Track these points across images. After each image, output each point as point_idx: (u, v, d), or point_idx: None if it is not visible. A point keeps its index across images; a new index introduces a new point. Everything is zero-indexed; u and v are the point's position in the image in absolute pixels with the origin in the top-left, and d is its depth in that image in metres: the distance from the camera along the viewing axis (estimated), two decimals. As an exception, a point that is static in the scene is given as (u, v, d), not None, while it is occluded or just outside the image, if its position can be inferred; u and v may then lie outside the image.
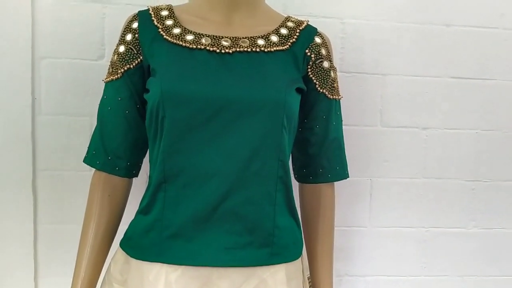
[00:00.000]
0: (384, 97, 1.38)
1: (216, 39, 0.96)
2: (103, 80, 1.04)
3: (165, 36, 0.97)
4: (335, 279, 1.27)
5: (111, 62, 1.03)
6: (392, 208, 1.42)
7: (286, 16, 1.07)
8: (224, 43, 0.96)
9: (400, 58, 1.37)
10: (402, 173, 1.41)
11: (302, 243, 1.04)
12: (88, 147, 1.04)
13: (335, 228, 1.12)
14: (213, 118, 0.91)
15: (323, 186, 1.09)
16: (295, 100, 0.97)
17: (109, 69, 1.03)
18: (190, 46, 0.95)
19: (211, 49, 0.95)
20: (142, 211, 0.97)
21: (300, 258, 1.02)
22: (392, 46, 1.37)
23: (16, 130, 1.28)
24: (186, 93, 0.90)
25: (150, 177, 0.99)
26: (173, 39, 0.96)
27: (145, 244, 0.94)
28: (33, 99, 1.28)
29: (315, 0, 1.33)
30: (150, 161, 1.00)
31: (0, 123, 1.27)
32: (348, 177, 1.11)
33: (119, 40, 1.02)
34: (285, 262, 0.96)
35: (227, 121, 0.91)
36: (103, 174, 1.01)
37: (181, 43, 0.95)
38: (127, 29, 1.01)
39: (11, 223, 1.30)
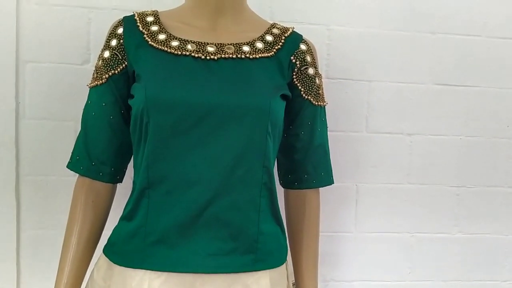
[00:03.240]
0: (369, 103, 1.39)
1: (201, 45, 0.96)
2: (87, 85, 1.03)
3: (150, 42, 0.97)
4: (321, 285, 1.29)
5: (95, 67, 1.03)
6: (378, 214, 1.43)
7: (271, 22, 1.08)
8: (209, 49, 0.96)
9: (385, 65, 1.39)
10: (388, 179, 1.42)
11: (287, 249, 1.04)
12: (72, 153, 1.03)
13: (321, 234, 1.12)
14: (197, 124, 0.90)
15: (308, 192, 1.09)
16: (280, 106, 0.97)
17: (93, 74, 1.03)
18: (175, 52, 0.95)
19: (196, 55, 0.95)
20: (126, 217, 0.96)
21: (284, 264, 1.02)
22: (378, 53, 1.38)
23: None
24: (171, 99, 0.90)
25: (134, 182, 0.99)
26: (158, 45, 0.96)
27: (129, 251, 0.94)
28: (17, 103, 1.27)
29: (301, 7, 1.34)
30: (134, 167, 1.00)
31: (-17, 128, 1.25)
32: (333, 183, 1.12)
33: (104, 46, 1.01)
34: (269, 269, 0.96)
35: (211, 127, 0.91)
36: (87, 179, 1.01)
37: (166, 49, 0.95)
38: (112, 34, 1.01)
39: (-6, 229, 1.28)
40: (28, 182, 1.30)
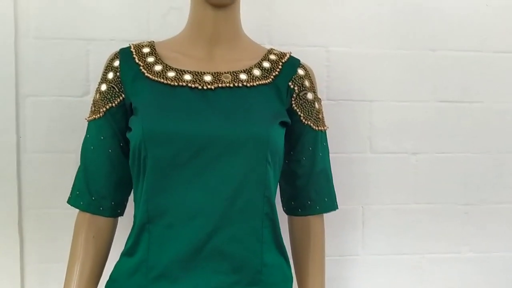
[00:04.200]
0: (372, 124, 1.37)
1: (198, 75, 0.96)
2: (85, 119, 1.03)
3: (146, 74, 0.96)
4: (329, 311, 1.26)
5: (93, 100, 1.02)
6: (385, 235, 1.41)
7: (268, 48, 1.07)
8: (206, 79, 0.95)
9: (387, 84, 1.37)
10: (394, 199, 1.40)
11: (292, 280, 1.02)
12: (72, 188, 1.03)
13: (328, 258, 1.10)
14: (196, 156, 0.90)
15: (312, 218, 1.08)
16: (279, 134, 0.96)
17: (91, 108, 1.02)
18: (172, 83, 0.94)
19: (193, 85, 0.94)
20: (127, 252, 0.95)
21: (290, 296, 1.00)
22: (378, 72, 1.37)
23: (1, 168, 1.26)
24: (168, 131, 0.90)
25: (134, 217, 0.97)
26: (154, 76, 0.96)
27: (131, 287, 0.92)
28: (18, 137, 1.27)
29: (299, 30, 1.33)
30: (134, 201, 0.99)
31: (-16, 162, 1.25)
32: (337, 208, 1.10)
33: (101, 79, 1.01)
34: (274, 301, 0.94)
35: (210, 159, 0.90)
36: (87, 214, 1.00)
37: (162, 80, 0.95)
38: (109, 67, 1.00)
39: (-2, 264, 1.27)
40: (30, 216, 1.30)
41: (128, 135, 0.96)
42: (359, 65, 1.36)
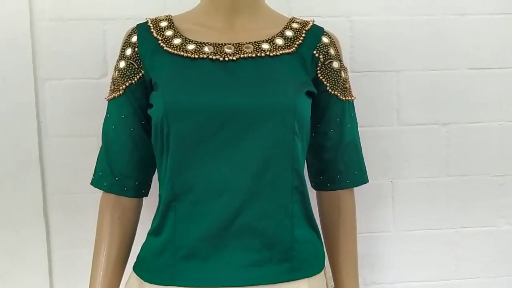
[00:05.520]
0: (399, 95, 1.32)
1: (218, 46, 0.93)
2: (105, 98, 1.01)
3: (165, 48, 0.94)
4: (362, 289, 1.23)
5: (112, 79, 1.00)
6: (417, 210, 1.36)
7: (290, 17, 1.03)
8: (227, 50, 0.92)
9: (414, 53, 1.32)
10: (425, 173, 1.35)
11: (324, 255, 0.99)
12: (95, 169, 1.01)
13: (358, 235, 1.07)
14: (220, 129, 0.87)
15: (342, 193, 1.04)
16: (306, 104, 0.93)
17: (110, 86, 1.00)
18: (192, 56, 0.92)
19: (214, 57, 0.91)
20: (154, 232, 0.93)
21: (323, 271, 0.97)
22: (404, 41, 1.31)
23: (23, 155, 1.25)
24: (190, 105, 0.87)
25: (159, 195, 0.95)
26: (173, 50, 0.93)
27: (159, 267, 0.90)
28: (39, 122, 1.26)
29: (320, 0, 1.29)
30: (158, 179, 0.97)
31: (6, 149, 1.24)
32: (367, 181, 1.07)
33: (119, 56, 0.99)
34: (307, 277, 0.92)
35: (236, 132, 0.87)
36: (112, 195, 0.98)
37: (182, 53, 0.92)
38: (126, 43, 0.98)
39: (25, 252, 1.27)
40: (55, 202, 1.29)
41: (149, 111, 0.94)
42: (384, 34, 1.31)
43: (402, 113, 1.34)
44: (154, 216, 0.95)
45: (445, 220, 1.37)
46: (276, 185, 0.89)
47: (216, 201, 0.87)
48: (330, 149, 1.02)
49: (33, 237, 1.27)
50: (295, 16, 1.04)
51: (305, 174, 0.95)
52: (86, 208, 1.28)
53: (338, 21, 1.28)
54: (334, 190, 1.04)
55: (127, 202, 0.99)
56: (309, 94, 0.95)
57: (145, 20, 1.00)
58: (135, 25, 1.00)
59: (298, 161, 0.91)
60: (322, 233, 1.05)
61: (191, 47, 0.93)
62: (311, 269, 0.93)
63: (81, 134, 1.27)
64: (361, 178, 1.05)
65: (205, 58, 0.91)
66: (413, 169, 1.35)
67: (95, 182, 1.00)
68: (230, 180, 0.87)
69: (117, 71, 0.98)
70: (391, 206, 1.36)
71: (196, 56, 0.91)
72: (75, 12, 1.24)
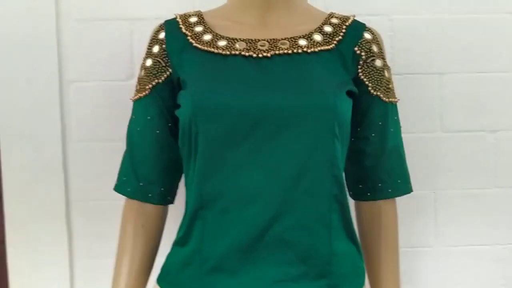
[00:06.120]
0: (443, 99, 1.25)
1: (251, 43, 0.88)
2: (131, 99, 0.97)
3: (194, 44, 0.89)
4: (403, 308, 1.14)
5: (138, 78, 0.96)
6: (461, 224, 1.28)
7: (329, 12, 0.97)
8: (261, 47, 0.87)
9: (459, 54, 1.25)
10: (470, 183, 1.27)
11: (364, 274, 0.91)
12: (118, 173, 0.97)
13: (398, 250, 1.00)
14: (253, 131, 0.81)
15: (383, 203, 0.97)
16: (347, 104, 0.87)
17: (136, 86, 0.96)
18: (223, 52, 0.87)
19: (247, 54, 0.86)
20: (179, 242, 0.87)
21: (363, 288, 0.89)
22: (448, 41, 1.24)
23: (46, 159, 1.21)
24: (221, 105, 0.82)
25: (186, 203, 0.90)
26: (204, 46, 0.88)
27: (184, 280, 0.85)
28: (63, 125, 1.22)
29: None
30: (185, 185, 0.91)
31: (29, 153, 1.21)
32: (411, 191, 0.99)
33: (146, 54, 0.95)
34: (346, 295, 0.84)
35: (269, 134, 0.81)
36: (135, 202, 0.93)
37: (213, 50, 0.87)
38: (153, 40, 0.94)
39: (46, 260, 1.23)
40: (78, 208, 1.25)
41: (177, 112, 0.89)
42: (427, 33, 1.24)
43: (445, 118, 1.26)
44: (180, 225, 0.89)
45: (492, 235, 1.29)
46: (313, 193, 0.82)
47: (247, 209, 0.81)
48: (371, 155, 0.95)
49: (55, 245, 1.23)
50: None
51: (345, 182, 0.89)
52: (111, 216, 1.21)
53: (377, 20, 1.20)
54: (375, 200, 0.97)
55: (151, 209, 0.93)
56: (349, 94, 0.88)
57: (174, 16, 0.96)
58: (163, 21, 0.96)
59: (338, 167, 0.84)
60: (361, 248, 0.96)
61: (222, 43, 0.88)
62: (351, 286, 0.86)
63: (106, 138, 1.23)
64: (405, 188, 0.98)
65: (237, 55, 0.86)
66: (457, 179, 1.28)
67: (118, 187, 0.95)
68: (263, 187, 0.81)
69: (143, 70, 0.94)
70: (434, 218, 1.28)
71: (228, 53, 0.86)
72: (101, 12, 1.21)
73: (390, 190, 0.96)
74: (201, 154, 0.83)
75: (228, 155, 0.82)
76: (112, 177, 1.16)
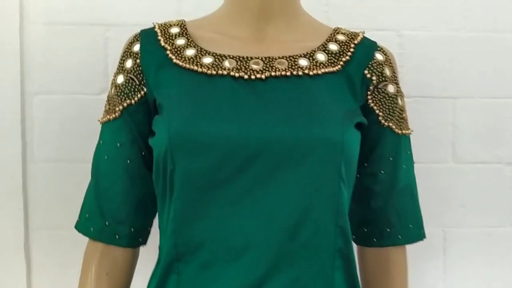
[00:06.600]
0: (456, 126, 1.19)
1: (243, 61, 0.76)
2: (98, 120, 0.85)
3: (175, 60, 0.77)
4: None
5: (108, 96, 0.84)
6: (474, 267, 1.21)
7: (334, 28, 0.86)
8: (254, 66, 0.75)
9: (475, 76, 1.18)
10: (484, 221, 1.21)
11: None
12: (81, 208, 0.84)
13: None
14: (243, 169, 0.70)
15: (392, 250, 0.86)
16: (356, 139, 0.75)
17: (105, 106, 0.84)
18: (209, 71, 0.75)
19: (237, 74, 0.74)
20: (149, 298, 0.75)
21: None
22: (464, 62, 1.18)
23: (4, 181, 1.12)
24: (204, 137, 0.70)
25: (160, 249, 0.77)
26: (185, 63, 0.76)
27: None
28: (24, 143, 1.13)
29: (365, 10, 1.15)
30: (159, 227, 0.78)
31: (-16, 175, 1.12)
32: (424, 237, 0.88)
33: (117, 68, 0.82)
34: None
35: (262, 174, 0.70)
36: (100, 244, 0.80)
37: (196, 68, 0.75)
38: (127, 53, 0.82)
39: (1, 295, 1.14)
40: (39, 237, 1.15)
41: (151, 141, 0.77)
42: (439, 52, 1.18)
43: (458, 148, 1.20)
44: (152, 276, 0.77)
45: (508, 279, 1.21)
46: (314, 246, 0.71)
47: (233, 264, 0.70)
48: (379, 195, 0.84)
49: (12, 278, 1.14)
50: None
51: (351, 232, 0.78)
52: (76, 247, 1.08)
53: (385, 36, 1.13)
54: (382, 246, 0.86)
55: (119, 253, 0.81)
56: (358, 126, 0.77)
57: (152, 25, 0.83)
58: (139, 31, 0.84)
59: (344, 215, 0.73)
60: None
61: (207, 60, 0.76)
62: None
63: (73, 159, 1.14)
64: (417, 234, 0.87)
65: (226, 75, 0.74)
66: (470, 216, 1.21)
67: (80, 226, 0.83)
68: (253, 238, 0.70)
69: (114, 87, 0.82)
70: (442, 259, 1.21)
71: (214, 72, 0.75)
72: (73, 16, 1.13)
73: (400, 236, 0.85)
74: (177, 195, 0.71)
75: (211, 198, 0.70)
76: (79, 204, 1.08)
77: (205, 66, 0.75)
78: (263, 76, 0.74)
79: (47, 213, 1.14)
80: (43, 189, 1.14)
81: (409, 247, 1.07)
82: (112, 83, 0.82)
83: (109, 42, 1.12)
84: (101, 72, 1.12)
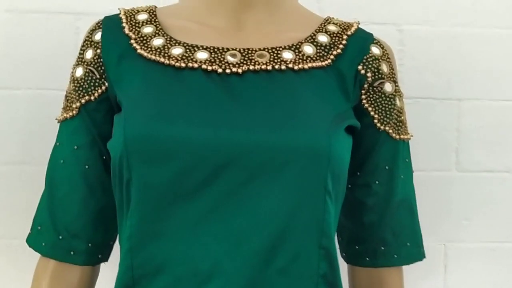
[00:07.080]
0: (460, 131, 1.14)
1: (218, 52, 0.68)
2: (56, 119, 0.77)
3: (139, 50, 0.69)
4: None
5: (66, 92, 0.76)
6: (477, 284, 1.15)
7: (325, 17, 0.79)
8: (230, 59, 0.67)
9: (482, 77, 1.13)
10: (489, 236, 1.15)
11: None
12: (33, 220, 0.76)
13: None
14: (211, 181, 0.62)
15: (386, 271, 0.79)
16: (345, 147, 0.68)
17: (63, 103, 0.76)
18: (177, 64, 0.67)
19: (210, 67, 0.66)
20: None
21: None
22: (470, 60, 1.13)
23: None
24: (165, 141, 0.62)
25: (119, 266, 0.68)
26: (151, 54, 0.68)
27: None
28: (-24, 144, 1.06)
29: (361, 1, 1.08)
30: (119, 243, 0.70)
31: None
32: (423, 257, 0.81)
33: (77, 60, 0.75)
34: None
35: (235, 186, 0.62)
36: (52, 262, 0.73)
37: (163, 59, 0.68)
38: (87, 42, 0.74)
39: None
40: None
41: (108, 144, 0.69)
42: (443, 50, 1.12)
43: (462, 155, 1.15)
44: None
45: None
46: (294, 272, 0.63)
47: None
48: (373, 209, 0.77)
49: None
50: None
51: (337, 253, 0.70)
52: (29, 261, 1.03)
53: (384, 30, 1.06)
54: (376, 267, 0.79)
55: (74, 272, 0.73)
56: (349, 130, 0.69)
57: (118, 11, 0.75)
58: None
59: (329, 235, 0.65)
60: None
61: (177, 51, 0.68)
62: None
63: (37, 162, 1.06)
64: (415, 253, 0.80)
65: (197, 68, 0.67)
66: (474, 229, 1.15)
67: (31, 240, 0.75)
68: (222, 262, 0.62)
69: (72, 82, 0.74)
70: (443, 277, 1.15)
71: (183, 65, 0.67)
72: (40, 3, 1.06)
73: (395, 256, 0.78)
74: (134, 209, 0.63)
75: (173, 213, 0.62)
76: (34, 211, 0.99)
77: (174, 58, 0.67)
78: (239, 70, 0.66)
79: (6, 223, 1.06)
80: (4, 194, 1.07)
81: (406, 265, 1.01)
82: (70, 77, 0.74)
83: (80, 32, 1.03)
84: (70, 65, 0.99)
